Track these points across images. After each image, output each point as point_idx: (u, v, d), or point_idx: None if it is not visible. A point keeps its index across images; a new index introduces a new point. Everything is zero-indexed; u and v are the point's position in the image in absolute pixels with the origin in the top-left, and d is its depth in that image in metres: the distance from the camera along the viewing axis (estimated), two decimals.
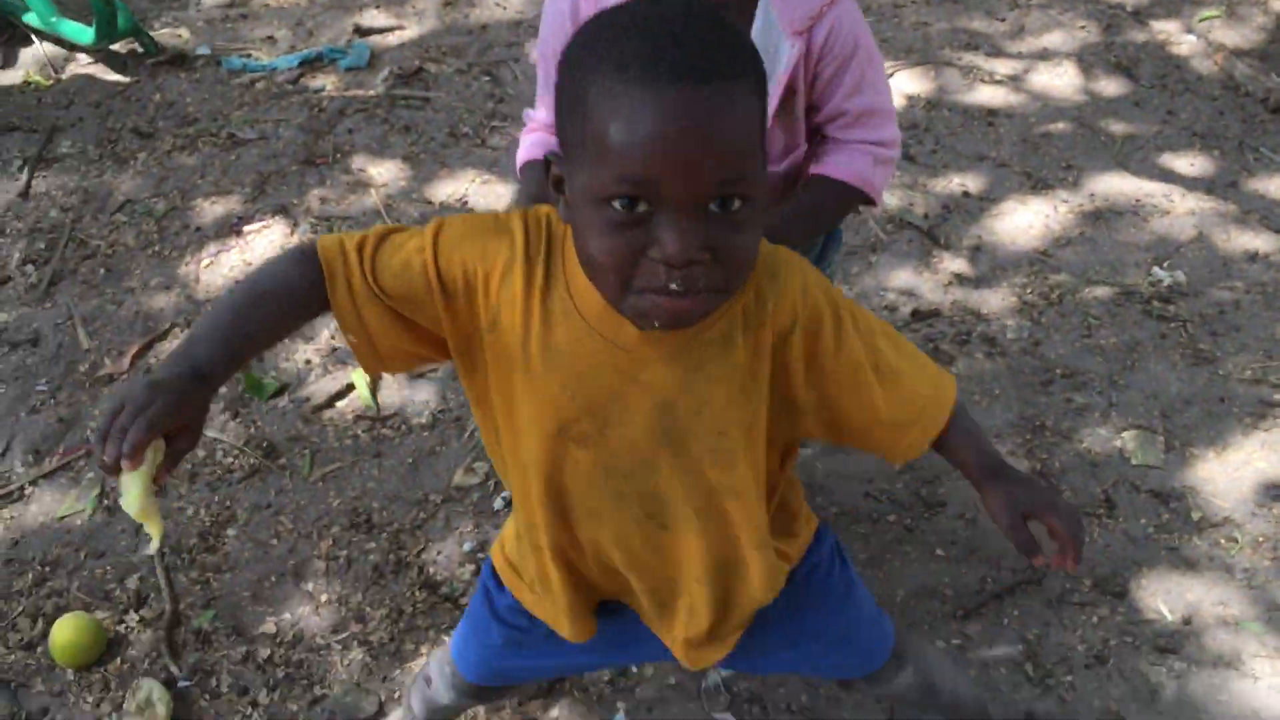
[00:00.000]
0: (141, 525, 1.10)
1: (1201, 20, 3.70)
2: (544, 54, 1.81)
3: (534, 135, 1.82)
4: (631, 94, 0.98)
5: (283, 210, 3.06)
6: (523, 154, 1.81)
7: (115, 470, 1.02)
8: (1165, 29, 3.69)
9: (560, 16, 1.69)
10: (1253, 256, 2.89)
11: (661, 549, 1.34)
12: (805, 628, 1.53)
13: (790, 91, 1.65)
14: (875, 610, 1.63)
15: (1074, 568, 1.28)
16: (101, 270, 2.92)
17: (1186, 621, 2.14)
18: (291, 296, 1.19)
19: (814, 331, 1.23)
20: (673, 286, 1.02)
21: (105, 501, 2.39)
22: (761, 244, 1.15)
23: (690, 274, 1.02)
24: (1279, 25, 3.66)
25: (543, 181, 1.47)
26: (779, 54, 1.59)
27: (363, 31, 3.74)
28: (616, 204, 1.01)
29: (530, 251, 1.18)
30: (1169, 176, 3.15)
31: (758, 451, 1.28)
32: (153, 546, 1.17)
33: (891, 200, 3.04)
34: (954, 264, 2.90)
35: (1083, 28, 3.70)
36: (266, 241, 2.97)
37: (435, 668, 1.79)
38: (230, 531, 2.34)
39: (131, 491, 1.05)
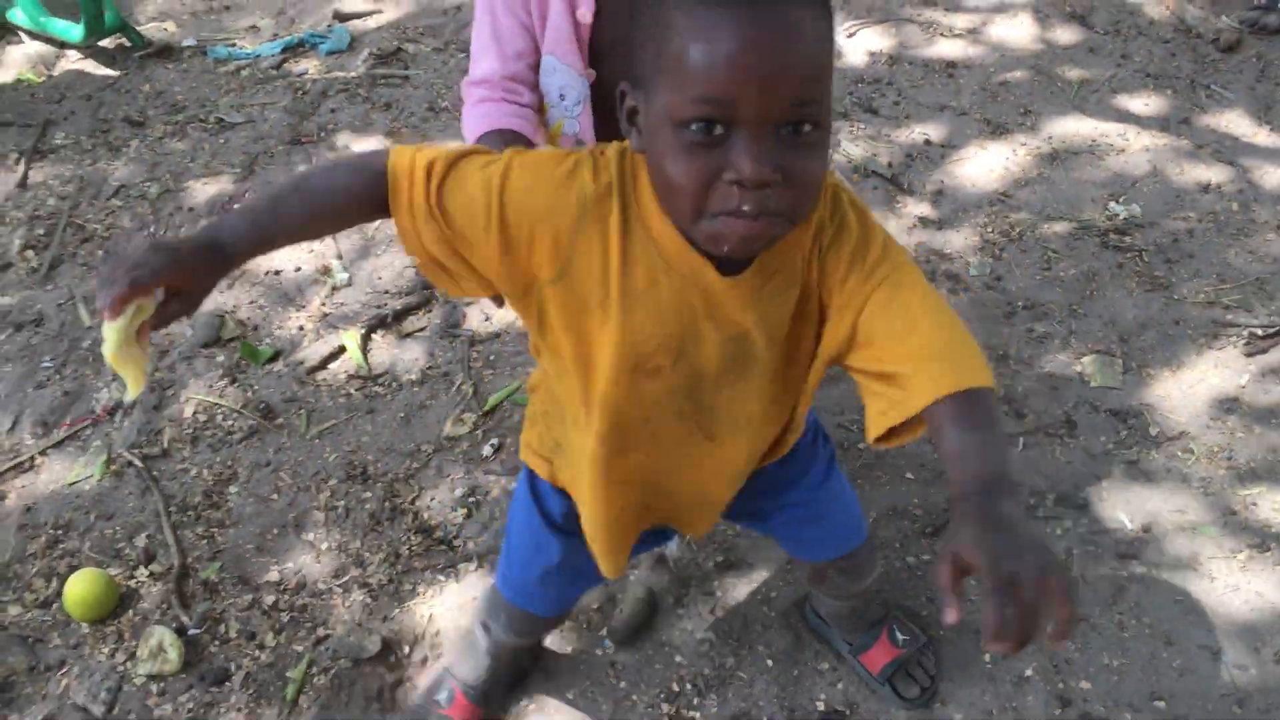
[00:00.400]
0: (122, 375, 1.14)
1: None
2: (488, 4, 1.70)
3: (486, 106, 1.70)
4: (710, 17, 1.01)
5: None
6: (478, 125, 1.68)
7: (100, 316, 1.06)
8: None
9: None
10: (1205, 188, 2.99)
11: (703, 461, 1.42)
12: (791, 495, 1.64)
13: None
14: (853, 497, 1.77)
15: (1003, 644, 0.91)
16: (100, 252, 3.03)
17: (1146, 529, 2.25)
18: (342, 197, 1.20)
19: (842, 244, 1.22)
20: (745, 208, 1.05)
21: (113, 467, 2.50)
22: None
23: (762, 195, 1.04)
24: None
25: (511, 145, 1.48)
26: None
27: (342, 17, 3.84)
28: (694, 127, 1.03)
29: (602, 195, 1.18)
30: (1124, 117, 3.26)
31: (809, 366, 1.33)
32: (128, 396, 1.18)
33: (856, 151, 3.15)
34: (918, 208, 3.00)
35: None
36: None
37: (488, 615, 1.92)
38: (232, 489, 2.45)
39: (109, 340, 1.08)
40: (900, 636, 2.02)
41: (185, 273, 1.09)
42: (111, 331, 1.08)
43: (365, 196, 1.19)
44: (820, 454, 1.68)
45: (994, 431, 1.11)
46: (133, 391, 1.15)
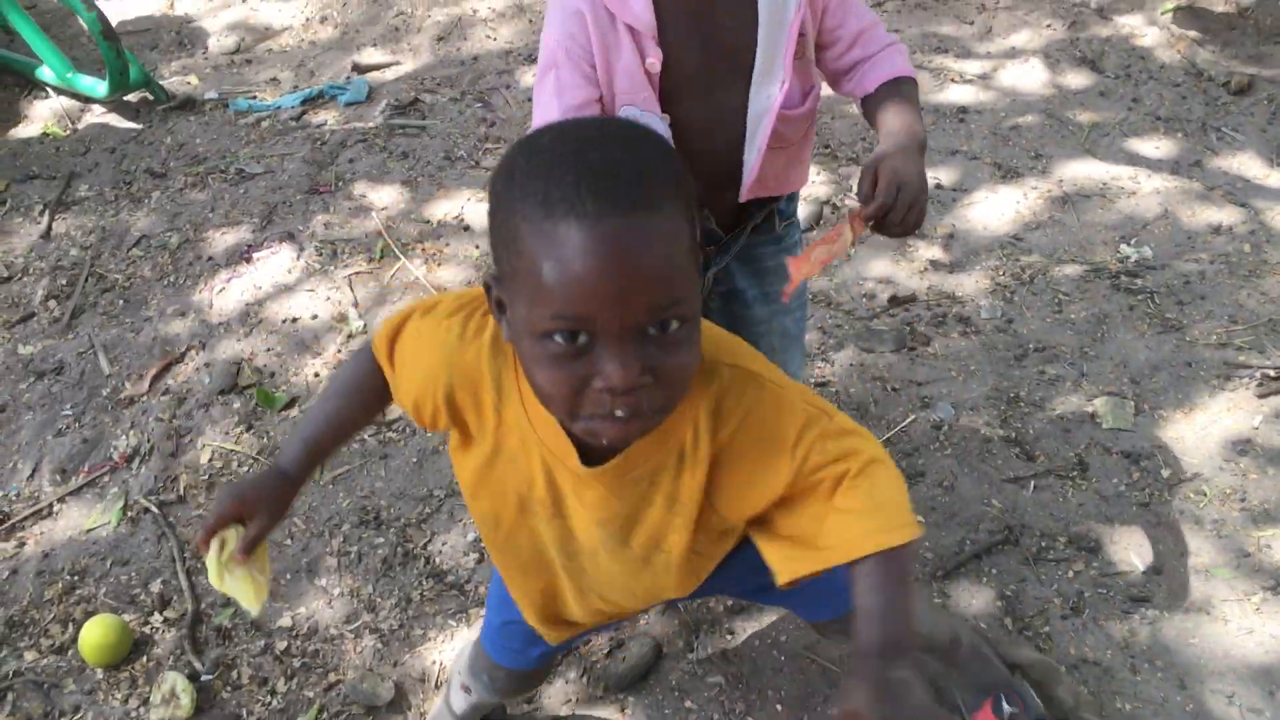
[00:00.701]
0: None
1: (1164, 12, 3.82)
2: (551, 51, 1.68)
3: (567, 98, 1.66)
4: (558, 232, 0.99)
5: (290, 236, 3.22)
6: (563, 101, 1.65)
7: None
8: (1129, 23, 3.82)
9: (572, 12, 1.63)
10: (1216, 229, 2.99)
11: (629, 581, 1.46)
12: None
13: (802, 36, 1.69)
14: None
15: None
16: (120, 302, 3.08)
17: (1158, 571, 2.24)
18: (366, 391, 1.41)
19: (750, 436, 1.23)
20: (618, 414, 1.05)
21: (129, 513, 2.53)
22: (718, 368, 1.20)
23: (634, 399, 1.04)
24: (1239, 13, 3.78)
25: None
26: (786, 5, 1.64)
27: (361, 69, 3.92)
28: (557, 337, 1.03)
29: (471, 363, 1.24)
30: (1135, 160, 3.27)
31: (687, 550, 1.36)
32: (251, 614, 1.44)
33: None
34: (929, 252, 3.02)
35: (1049, 26, 3.84)
36: (276, 265, 3.12)
37: (469, 676, 1.89)
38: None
39: (210, 570, 1.32)
40: (1007, 709, 1.95)
41: (249, 504, 1.33)
42: (209, 562, 1.32)
43: (369, 379, 1.39)
44: None
45: (903, 592, 1.18)
46: (252, 611, 1.36)
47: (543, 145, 1.07)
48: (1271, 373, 2.58)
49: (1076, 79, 3.61)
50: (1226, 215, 3.03)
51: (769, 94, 1.68)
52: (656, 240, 1.01)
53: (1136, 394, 2.59)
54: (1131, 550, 2.28)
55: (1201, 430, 2.50)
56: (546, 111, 1.66)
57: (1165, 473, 2.41)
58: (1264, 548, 2.25)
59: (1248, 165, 3.21)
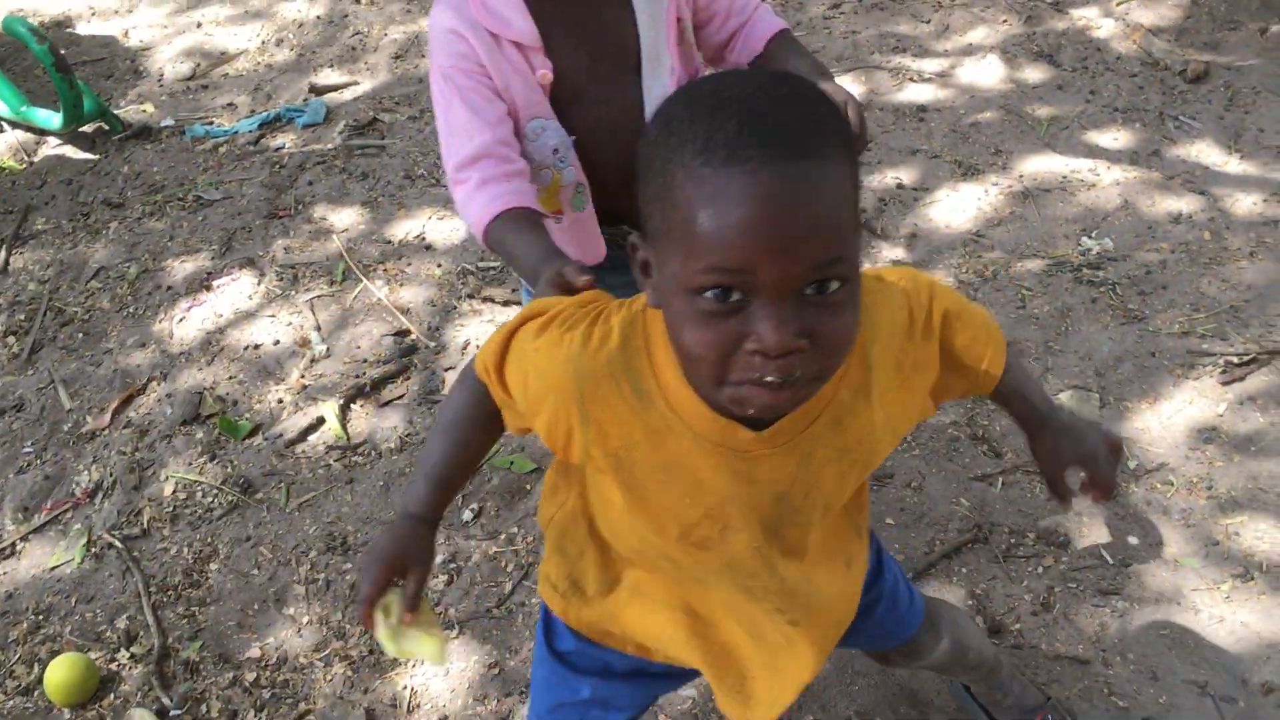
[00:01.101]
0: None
1: (1119, 4, 3.83)
2: (447, 76, 1.64)
3: (489, 189, 1.59)
4: (718, 178, 0.93)
5: (249, 262, 3.20)
6: (486, 210, 1.58)
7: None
8: (1085, 15, 3.83)
9: (454, 36, 1.61)
10: (1177, 218, 3.00)
11: (792, 650, 1.36)
12: None
13: (680, 22, 1.74)
14: (901, 588, 1.63)
15: (1102, 500, 1.40)
16: (80, 335, 3.05)
17: (1127, 564, 2.23)
18: (483, 419, 1.31)
19: (911, 341, 1.20)
20: (769, 379, 0.97)
21: (93, 549, 2.50)
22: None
23: (788, 363, 0.97)
24: (1192, 2, 3.79)
25: (535, 234, 1.51)
26: None
27: (318, 90, 3.90)
28: (710, 294, 0.96)
29: (601, 373, 1.14)
30: (1094, 152, 3.27)
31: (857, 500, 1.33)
32: (438, 664, 1.39)
33: None
34: (893, 252, 3.01)
35: (1005, 22, 3.84)
36: (236, 292, 3.10)
37: None
38: (213, 566, 2.44)
39: (385, 646, 1.27)
40: None
41: (399, 563, 1.27)
42: (381, 636, 1.27)
43: (483, 406, 1.30)
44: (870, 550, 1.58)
45: (1028, 375, 1.42)
46: (439, 661, 1.30)
47: (704, 93, 1.00)
48: (1235, 360, 2.58)
49: (1034, 73, 3.61)
50: (1186, 204, 3.04)
51: (662, 84, 1.70)
52: (823, 190, 0.94)
53: (1101, 386, 2.58)
54: (1100, 543, 2.27)
55: (1167, 420, 2.50)
56: (471, 134, 1.59)
57: (1132, 464, 2.41)
58: (1232, 535, 2.25)
59: (1205, 153, 3.22)
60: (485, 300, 2.99)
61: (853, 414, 1.17)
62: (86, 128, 3.79)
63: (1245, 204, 3.01)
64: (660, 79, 1.70)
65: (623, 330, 1.15)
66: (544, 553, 1.49)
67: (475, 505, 2.48)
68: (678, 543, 1.22)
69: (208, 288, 3.13)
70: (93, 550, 2.50)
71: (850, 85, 3.63)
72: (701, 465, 1.15)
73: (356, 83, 3.94)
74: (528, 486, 2.50)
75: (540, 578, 1.51)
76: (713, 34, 1.80)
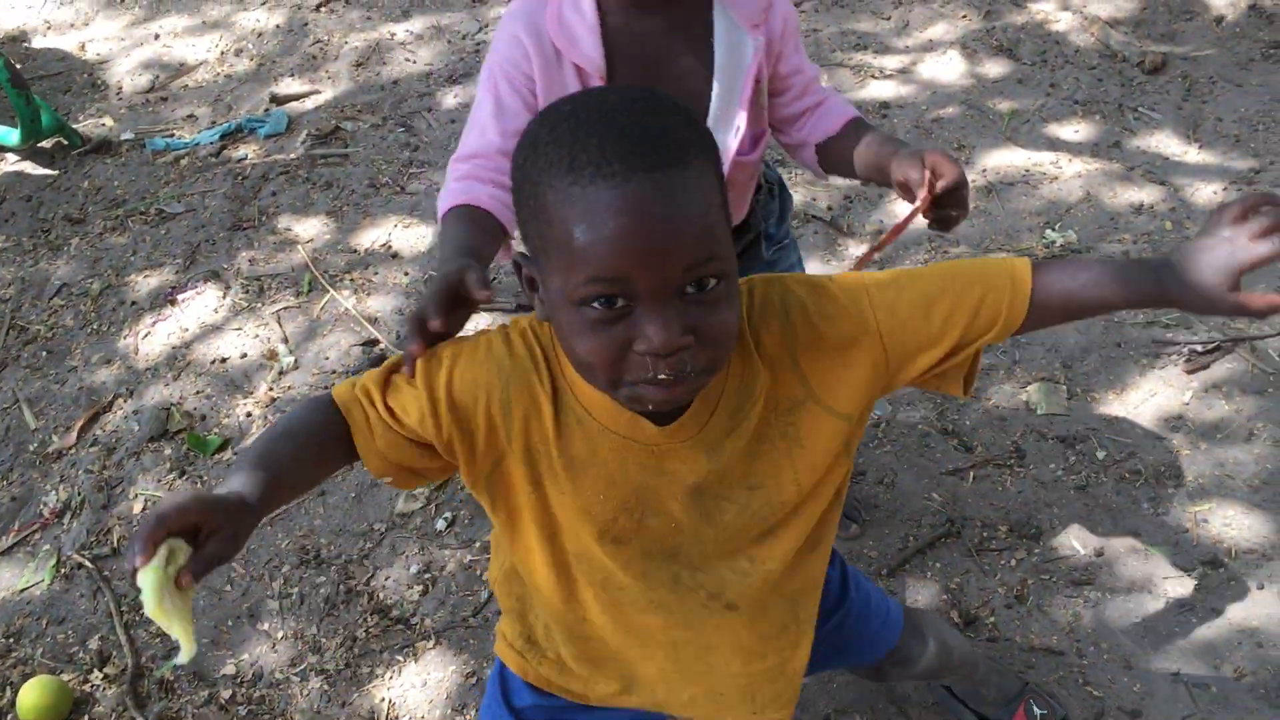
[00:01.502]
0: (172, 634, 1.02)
1: None
2: (492, 72, 1.62)
3: (467, 183, 1.58)
4: (587, 195, 0.98)
5: (214, 275, 3.17)
6: (452, 198, 1.57)
7: (133, 571, 0.98)
8: (1043, 9, 3.85)
9: (514, 41, 1.59)
10: (1138, 209, 3.02)
11: (736, 632, 1.35)
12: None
13: (758, 83, 1.67)
14: (870, 597, 1.65)
15: None
16: (43, 353, 3.01)
17: (1099, 554, 2.25)
18: (316, 437, 1.19)
19: (806, 324, 1.20)
20: (661, 376, 1.03)
21: (63, 570, 2.47)
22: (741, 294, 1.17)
23: (678, 360, 1.02)
24: None
25: (472, 234, 1.47)
26: (743, 50, 1.62)
27: (279, 100, 3.87)
28: (595, 304, 1.01)
29: (522, 371, 1.18)
30: (1055, 144, 3.30)
31: (798, 498, 1.27)
32: (183, 657, 1.03)
33: (796, 196, 3.15)
34: (859, 249, 3.03)
35: (964, 17, 3.86)
36: (201, 306, 3.07)
37: None
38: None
39: (146, 590, 0.97)
40: (1038, 711, 1.96)
41: (212, 515, 1.02)
42: (146, 579, 0.97)
43: (332, 430, 1.19)
44: (833, 578, 1.59)
45: (1093, 261, 1.24)
46: (186, 651, 1.01)
47: (564, 114, 1.05)
48: (1199, 348, 2.61)
49: (994, 68, 3.64)
50: (1147, 194, 3.07)
51: (724, 142, 1.64)
52: (688, 197, 1.00)
53: (1069, 378, 2.60)
54: (1072, 535, 2.29)
55: (1134, 410, 2.52)
56: (484, 131, 1.59)
57: (1100, 455, 2.43)
58: (1200, 523, 2.28)
59: (1165, 143, 3.25)
60: None
61: (750, 399, 1.20)
62: (45, 143, 3.75)
63: (1205, 193, 3.04)
64: (724, 136, 1.64)
65: (534, 332, 1.21)
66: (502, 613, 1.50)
67: (449, 514, 2.47)
68: (598, 542, 1.24)
69: (172, 302, 3.10)
70: (62, 571, 2.48)
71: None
72: (612, 458, 1.19)
73: (318, 91, 3.91)
74: None
75: (497, 635, 1.53)
76: (784, 104, 1.74)
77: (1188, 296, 1.11)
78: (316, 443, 1.19)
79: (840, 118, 1.70)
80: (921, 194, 1.45)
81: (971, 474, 2.43)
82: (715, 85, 1.61)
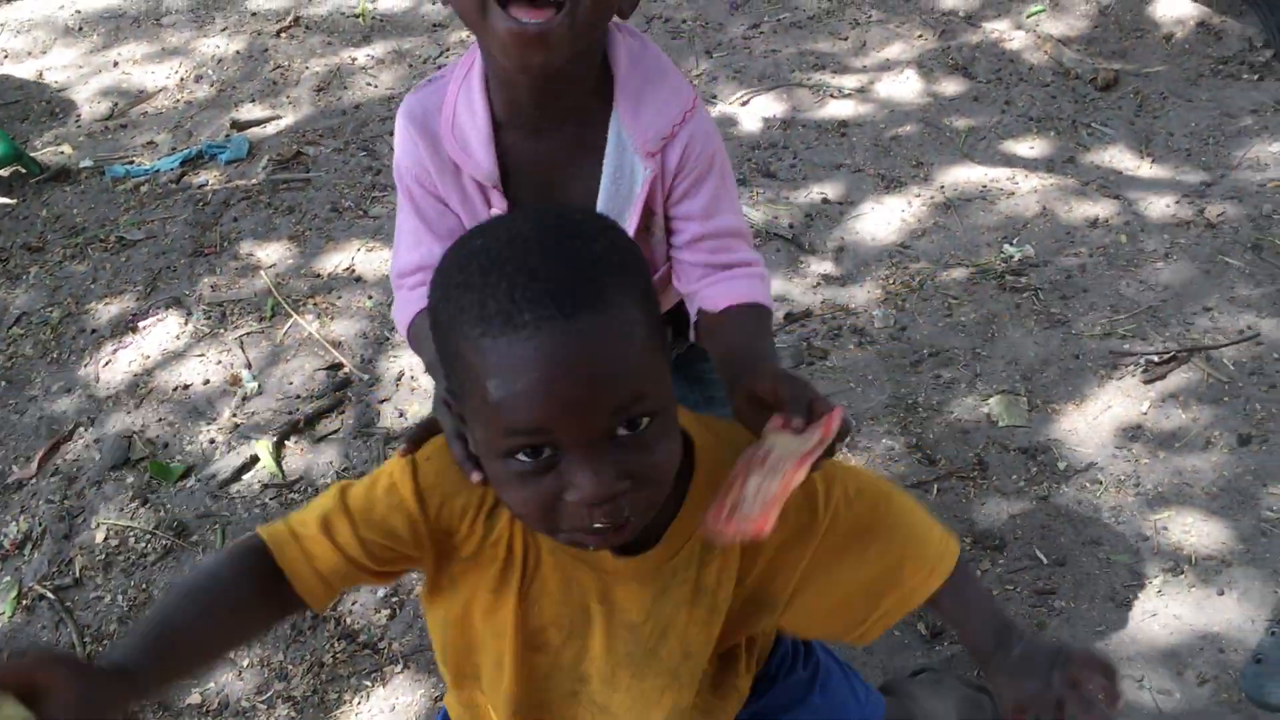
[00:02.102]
0: None
1: (1030, 16, 3.93)
2: (401, 176, 1.58)
3: (418, 291, 1.52)
4: (498, 347, 0.92)
5: (176, 302, 3.15)
6: (414, 306, 1.52)
7: None
8: (997, 28, 3.92)
9: (412, 145, 1.54)
10: (1094, 223, 3.07)
11: None
12: None
13: (649, 213, 1.53)
14: (849, 691, 1.58)
15: None
16: (2, 383, 2.98)
17: (1061, 563, 2.28)
18: (233, 586, 1.11)
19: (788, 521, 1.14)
20: (598, 525, 0.98)
21: (24, 602, 2.44)
22: (721, 440, 1.15)
23: (613, 508, 0.97)
24: (1100, 12, 3.90)
25: None
26: (634, 175, 1.48)
27: (240, 125, 3.86)
28: (520, 456, 0.96)
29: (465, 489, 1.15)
30: (1011, 161, 3.35)
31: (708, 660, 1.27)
32: None
33: (757, 215, 3.20)
34: (821, 266, 3.05)
35: (920, 36, 3.92)
36: (163, 333, 3.05)
37: None
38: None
39: None
40: None
41: (52, 669, 0.92)
42: None
43: (255, 571, 1.12)
44: (798, 680, 1.51)
45: (979, 592, 1.27)
46: None
47: (474, 250, 0.97)
48: (1155, 358, 2.65)
49: (950, 86, 3.69)
50: (1102, 209, 3.12)
51: None
52: (609, 339, 0.93)
53: (1029, 390, 2.64)
54: (1035, 545, 2.32)
55: (1093, 420, 2.55)
56: (419, 242, 1.55)
57: (1061, 465, 2.46)
58: (1160, 530, 2.31)
59: (1119, 158, 3.31)
60: None
61: (713, 554, 1.18)
62: (3, 171, 3.72)
63: (1158, 206, 3.10)
64: None
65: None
66: None
67: None
68: (522, 647, 1.21)
69: (134, 329, 3.08)
70: (23, 603, 2.44)
71: (772, 103, 3.68)
72: (564, 579, 1.17)
73: (279, 117, 3.91)
74: None
75: (447, 705, 1.50)
76: (675, 249, 1.56)
77: (995, 681, 1.18)
78: (234, 593, 1.10)
79: (737, 294, 1.48)
80: (811, 442, 1.10)
81: (935, 486, 2.45)
82: (599, 205, 1.49)
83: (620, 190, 1.48)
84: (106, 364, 2.99)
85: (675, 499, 1.14)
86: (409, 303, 1.54)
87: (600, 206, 1.48)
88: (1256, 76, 3.53)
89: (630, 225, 1.50)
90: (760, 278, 1.54)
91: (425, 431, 1.20)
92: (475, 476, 1.11)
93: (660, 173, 1.48)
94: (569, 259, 0.94)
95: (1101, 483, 2.42)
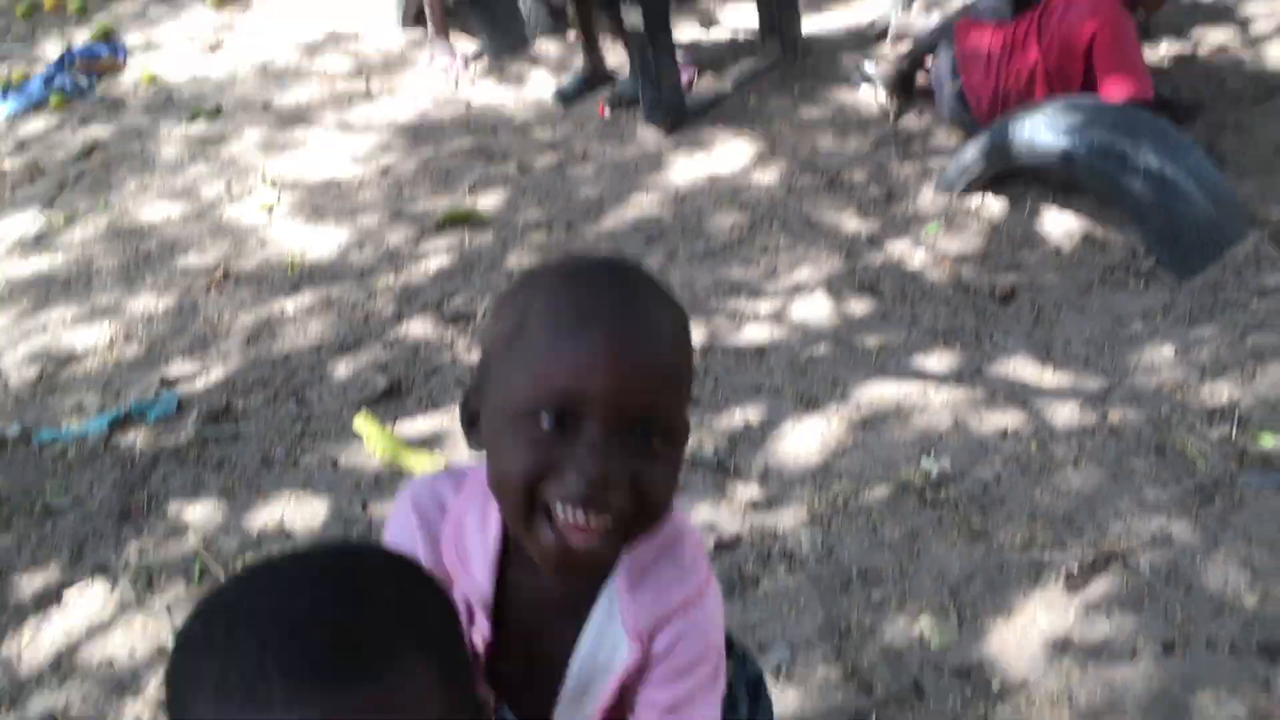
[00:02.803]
0: None
1: (928, 233, 4.16)
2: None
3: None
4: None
5: (102, 569, 3.11)
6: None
7: None
8: (898, 247, 4.13)
9: (408, 531, 1.41)
10: (1004, 433, 3.18)
11: None
12: None
13: (625, 689, 1.39)
14: None
15: None
16: None
17: None
18: None
19: None
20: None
21: None
22: None
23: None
24: (991, 228, 4.14)
25: None
26: (615, 651, 1.35)
27: (169, 382, 3.90)
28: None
29: None
30: (922, 375, 3.48)
31: None
32: None
33: None
34: (747, 491, 3.11)
35: (827, 259, 4.12)
36: (88, 603, 3.00)
37: None
38: None
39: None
40: None
41: None
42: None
43: None
44: None
45: None
46: None
47: (226, 602, 0.83)
48: (1075, 568, 2.71)
49: (859, 306, 3.86)
50: (1010, 418, 3.24)
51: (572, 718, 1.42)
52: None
53: (958, 605, 2.67)
54: None
55: (1021, 633, 2.59)
56: None
57: (995, 685, 2.48)
58: None
59: (1021, 367, 3.46)
60: None
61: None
62: None
63: (1063, 413, 3.23)
64: (575, 715, 1.41)
65: None
66: None
67: None
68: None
69: (58, 601, 3.02)
70: None
71: (692, 331, 3.81)
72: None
73: (208, 370, 3.96)
74: None
75: None
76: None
77: None
78: None
79: None
80: None
81: (874, 715, 2.45)
82: (571, 668, 1.37)
83: (598, 661, 1.37)
84: (29, 642, 2.92)
85: None
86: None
87: (572, 671, 1.37)
88: (1142, 283, 3.75)
89: (600, 699, 1.39)
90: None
91: None
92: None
93: (644, 657, 1.35)
94: (344, 611, 0.83)
95: (1035, 701, 2.43)
